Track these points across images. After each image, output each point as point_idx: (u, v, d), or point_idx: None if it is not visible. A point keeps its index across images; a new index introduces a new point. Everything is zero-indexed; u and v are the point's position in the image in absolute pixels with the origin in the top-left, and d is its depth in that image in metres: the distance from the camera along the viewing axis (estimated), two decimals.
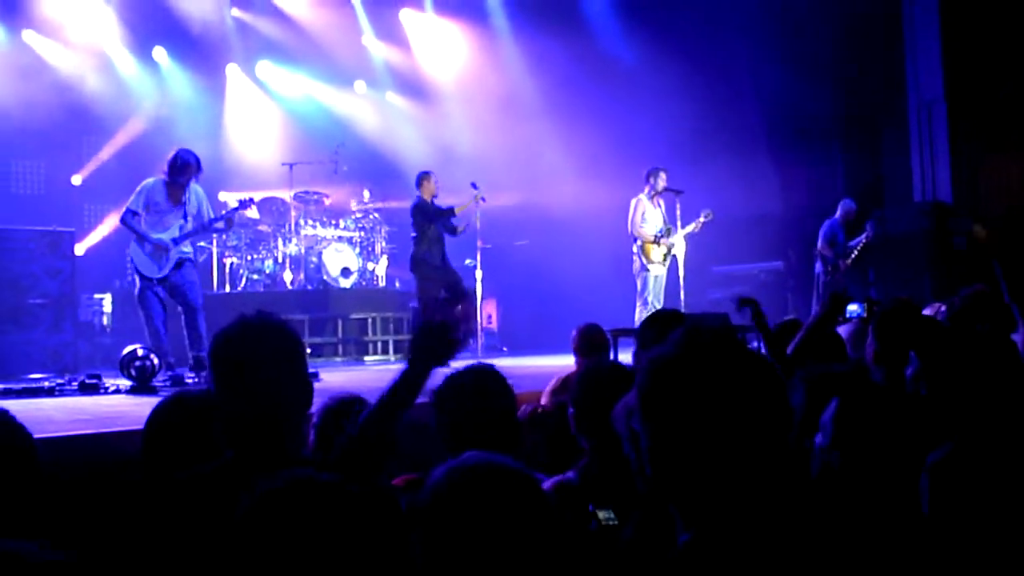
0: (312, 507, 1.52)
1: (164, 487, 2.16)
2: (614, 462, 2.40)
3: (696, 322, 1.62)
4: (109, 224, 12.29)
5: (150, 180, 7.88)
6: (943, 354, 2.65)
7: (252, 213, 11.78)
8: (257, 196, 10.67)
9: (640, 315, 9.66)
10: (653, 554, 1.63)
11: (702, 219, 10.24)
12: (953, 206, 11.39)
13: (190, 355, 7.72)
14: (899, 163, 12.76)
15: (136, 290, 7.87)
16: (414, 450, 2.81)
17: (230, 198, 11.76)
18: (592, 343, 5.45)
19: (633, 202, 10.22)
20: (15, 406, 6.24)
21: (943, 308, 4.72)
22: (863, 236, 11.17)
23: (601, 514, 2.24)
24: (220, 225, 8.34)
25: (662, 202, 10.32)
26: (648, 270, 10.09)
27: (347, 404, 3.04)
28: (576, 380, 3.12)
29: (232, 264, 11.90)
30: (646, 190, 10.25)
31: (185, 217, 7.84)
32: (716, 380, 1.51)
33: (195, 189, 7.96)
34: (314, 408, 2.64)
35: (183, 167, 7.75)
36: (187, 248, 7.93)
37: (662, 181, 10.25)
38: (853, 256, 11.21)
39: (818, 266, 11.37)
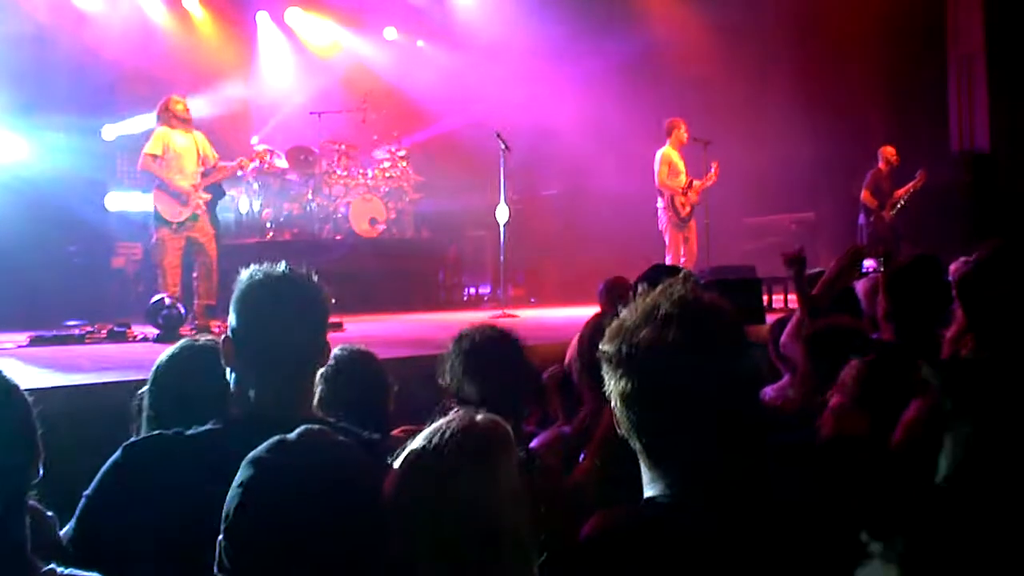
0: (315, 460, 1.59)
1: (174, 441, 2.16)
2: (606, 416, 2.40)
3: (669, 282, 1.61)
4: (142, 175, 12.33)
5: (164, 128, 8.10)
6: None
7: (281, 162, 11.81)
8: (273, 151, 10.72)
9: None
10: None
11: (713, 173, 10.11)
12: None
13: (196, 303, 8.00)
14: (936, 114, 12.52)
15: (153, 239, 8.08)
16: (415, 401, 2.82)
17: (261, 147, 11.78)
18: (619, 296, 5.37)
19: (658, 155, 10.07)
20: (46, 352, 6.37)
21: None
22: (911, 184, 11.00)
23: None
24: (230, 169, 8.57)
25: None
26: (676, 225, 9.99)
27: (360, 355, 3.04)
28: (582, 332, 3.10)
29: (259, 212, 11.88)
30: (669, 142, 10.11)
31: (198, 163, 8.08)
32: (672, 343, 1.53)
33: (195, 135, 8.24)
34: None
35: (174, 110, 8.13)
36: (204, 195, 8.12)
37: (685, 132, 10.11)
38: (900, 205, 11.03)
39: (861, 217, 11.22)
